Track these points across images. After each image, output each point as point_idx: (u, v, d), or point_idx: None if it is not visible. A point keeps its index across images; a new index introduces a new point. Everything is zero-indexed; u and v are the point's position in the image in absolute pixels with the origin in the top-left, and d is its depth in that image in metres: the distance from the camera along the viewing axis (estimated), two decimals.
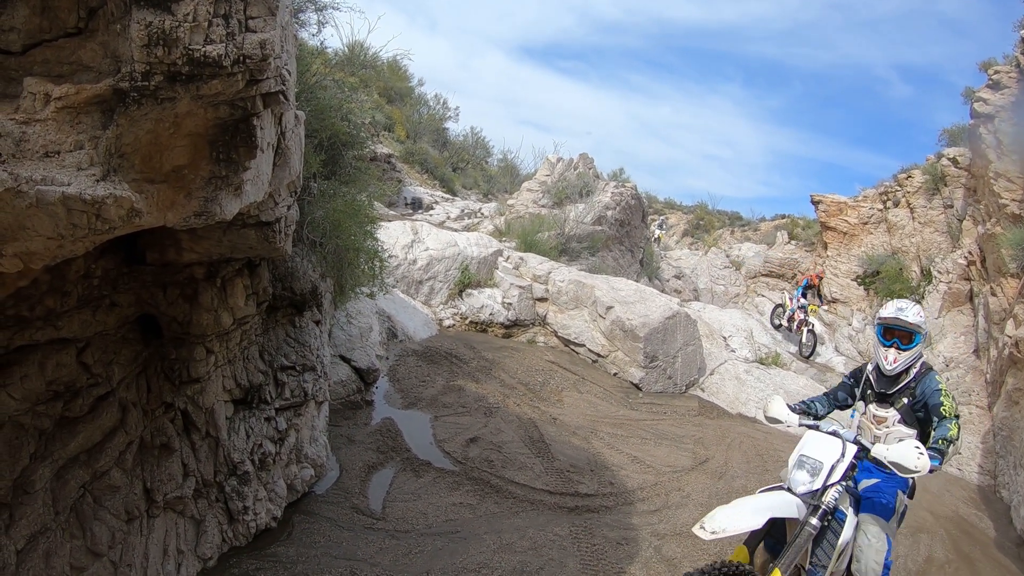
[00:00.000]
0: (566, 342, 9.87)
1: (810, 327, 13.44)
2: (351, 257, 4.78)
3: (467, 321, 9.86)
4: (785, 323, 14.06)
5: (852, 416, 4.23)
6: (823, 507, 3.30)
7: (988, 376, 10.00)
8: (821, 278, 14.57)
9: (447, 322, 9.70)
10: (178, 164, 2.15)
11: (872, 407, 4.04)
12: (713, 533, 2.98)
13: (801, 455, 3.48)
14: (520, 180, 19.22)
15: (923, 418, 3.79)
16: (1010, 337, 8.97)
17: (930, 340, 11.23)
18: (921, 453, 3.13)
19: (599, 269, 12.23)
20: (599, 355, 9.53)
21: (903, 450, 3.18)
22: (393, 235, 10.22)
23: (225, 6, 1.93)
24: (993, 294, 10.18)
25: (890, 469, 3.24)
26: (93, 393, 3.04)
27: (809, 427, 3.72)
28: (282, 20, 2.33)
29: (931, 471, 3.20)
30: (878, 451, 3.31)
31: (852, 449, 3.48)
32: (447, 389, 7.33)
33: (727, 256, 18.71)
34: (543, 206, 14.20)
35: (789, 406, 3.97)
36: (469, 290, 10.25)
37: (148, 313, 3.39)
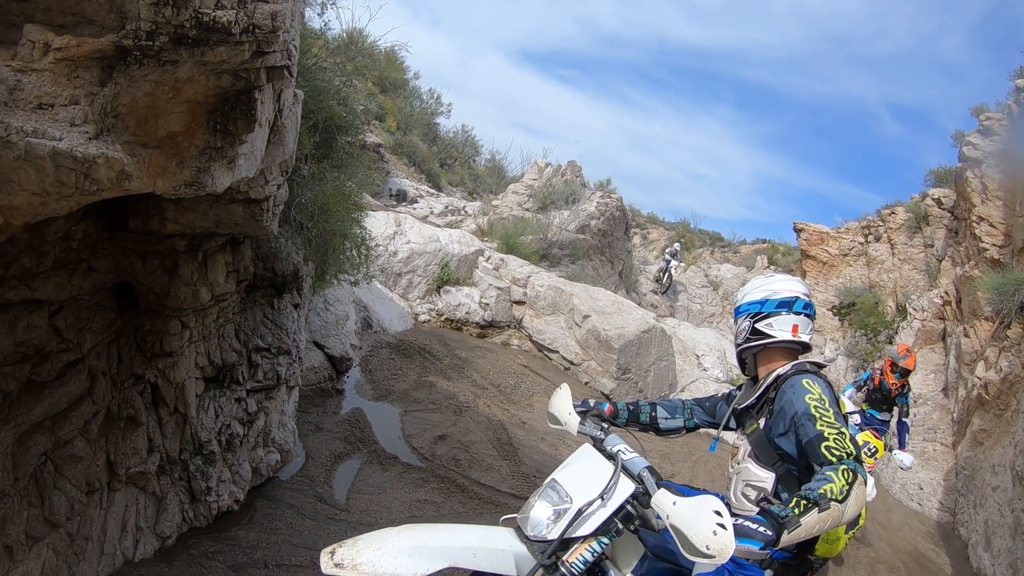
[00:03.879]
0: (540, 347, 9.89)
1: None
2: (336, 242, 4.75)
3: (443, 318, 9.84)
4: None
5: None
6: (563, 572, 2.14)
7: (955, 415, 10.22)
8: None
9: (423, 317, 9.67)
10: (173, 131, 2.12)
11: (738, 433, 2.74)
12: (338, 567, 1.94)
13: (553, 478, 2.34)
14: (506, 182, 19.25)
15: (796, 456, 2.37)
16: (980, 379, 9.19)
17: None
18: (722, 525, 1.75)
19: (579, 277, 12.28)
20: (572, 363, 9.57)
21: (692, 514, 1.83)
22: (376, 225, 10.14)
23: None
24: (966, 335, 10.42)
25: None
26: (62, 359, 2.98)
27: (592, 437, 2.55)
28: None
29: (751, 557, 2.06)
30: (660, 503, 1.99)
31: (627, 488, 2.21)
32: (419, 384, 7.31)
33: (705, 275, 18.98)
34: (528, 209, 14.23)
35: (581, 403, 2.79)
36: (447, 287, 10.24)
37: (125, 281, 3.34)
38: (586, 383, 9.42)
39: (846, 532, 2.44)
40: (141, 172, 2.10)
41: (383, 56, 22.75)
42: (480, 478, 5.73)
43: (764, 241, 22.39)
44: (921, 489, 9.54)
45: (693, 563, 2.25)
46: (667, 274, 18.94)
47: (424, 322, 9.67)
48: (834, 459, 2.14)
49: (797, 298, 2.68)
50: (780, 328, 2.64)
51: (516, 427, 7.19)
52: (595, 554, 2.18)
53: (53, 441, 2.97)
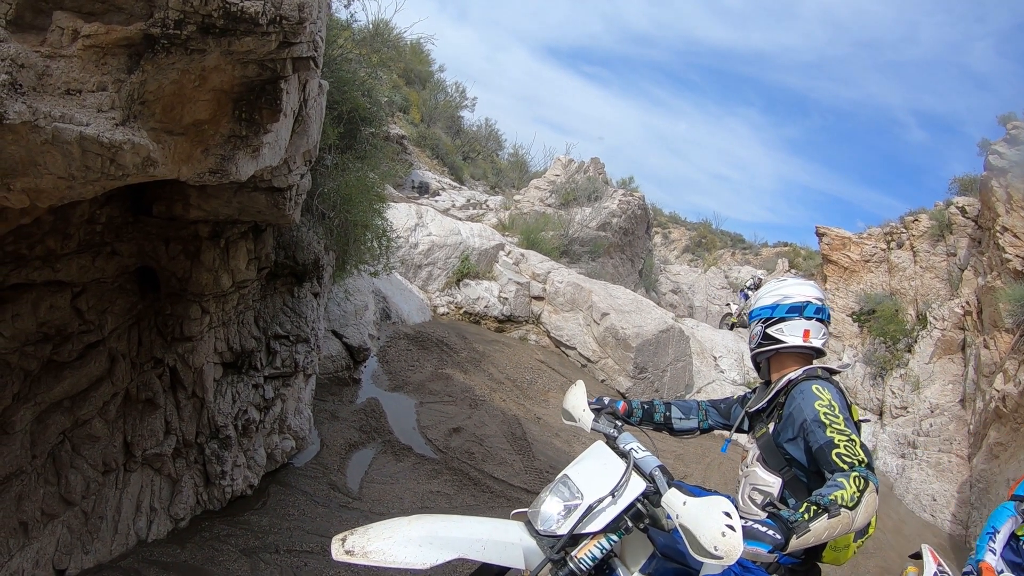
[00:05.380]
0: (558, 343, 9.84)
1: None
2: (358, 233, 4.73)
3: (461, 311, 9.81)
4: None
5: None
6: (571, 568, 2.11)
7: (971, 427, 10.03)
8: None
9: (441, 309, 9.66)
10: (199, 118, 2.09)
11: (749, 436, 2.72)
12: (348, 554, 1.93)
13: (565, 474, 2.33)
14: (529, 177, 19.18)
15: (805, 462, 2.34)
16: (998, 391, 9.01)
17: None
18: (731, 527, 1.73)
19: (598, 275, 12.19)
20: (589, 360, 9.51)
21: (701, 514, 1.82)
22: (397, 217, 10.15)
23: None
24: (986, 347, 10.23)
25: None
26: (84, 340, 2.99)
27: (605, 434, 2.50)
28: None
29: (758, 560, 1.94)
30: (670, 502, 1.97)
31: (638, 486, 2.18)
32: (435, 376, 7.29)
33: (726, 277, 18.75)
34: (549, 205, 14.15)
35: (596, 400, 2.75)
36: (467, 280, 10.20)
37: (147, 266, 3.34)
38: (602, 381, 9.35)
39: (855, 540, 2.42)
40: (166, 159, 2.08)
41: (409, 48, 22.79)
42: (493, 472, 5.71)
43: (785, 244, 22.13)
44: (935, 500, 9.37)
45: (701, 564, 2.22)
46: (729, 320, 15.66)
47: (443, 314, 9.65)
48: (845, 466, 2.09)
49: (809, 303, 2.63)
50: (791, 333, 2.60)
51: (531, 422, 7.16)
52: (604, 551, 2.16)
53: (72, 420, 2.98)
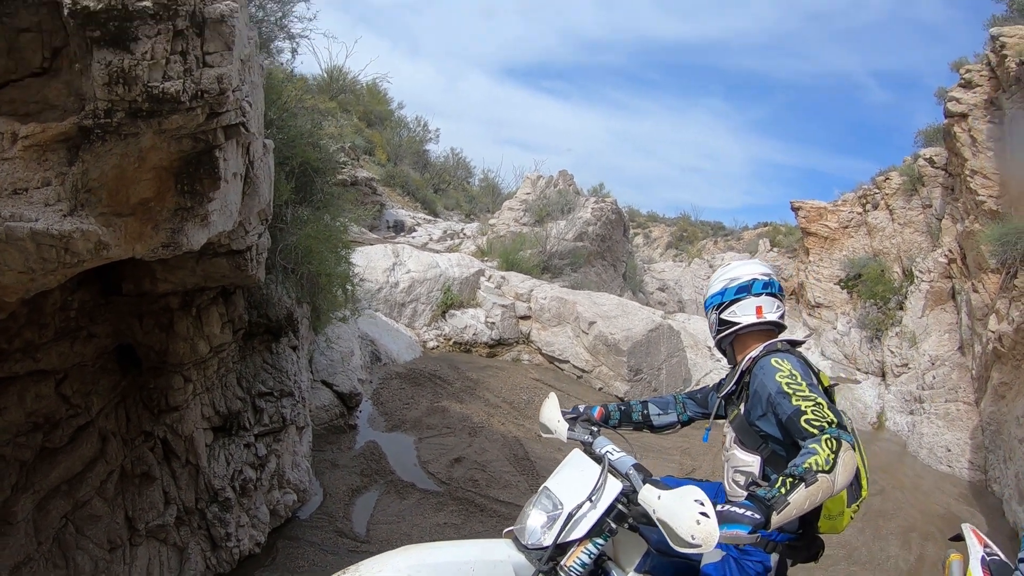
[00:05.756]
0: (551, 359, 10.03)
1: None
2: (323, 282, 4.94)
3: (451, 342, 10.01)
4: None
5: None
6: None
7: (974, 372, 10.20)
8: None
9: (431, 344, 9.85)
10: (144, 197, 2.31)
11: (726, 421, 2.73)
12: None
13: (545, 486, 2.38)
14: (502, 199, 19.51)
15: (780, 436, 2.36)
16: (993, 332, 9.18)
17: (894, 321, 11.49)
18: (704, 514, 1.79)
19: (582, 285, 12.44)
20: (584, 370, 9.69)
21: (675, 505, 1.88)
22: (374, 259, 10.41)
23: (182, 43, 2.09)
24: (975, 290, 10.42)
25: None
26: (73, 424, 3.17)
27: (581, 441, 2.58)
28: (241, 54, 2.50)
29: (741, 543, 1.95)
30: (646, 498, 2.02)
31: (615, 487, 2.24)
32: (431, 411, 7.45)
33: (710, 266, 19.02)
34: (524, 224, 14.43)
35: (572, 409, 2.85)
36: (452, 311, 10.41)
37: (125, 343, 3.53)
38: (600, 389, 9.53)
39: (848, 506, 2.45)
40: (118, 240, 2.29)
41: (366, 90, 23.26)
42: (499, 495, 5.85)
43: (766, 224, 22.45)
44: (949, 451, 9.53)
45: (699, 555, 2.38)
46: None
47: (433, 348, 9.84)
48: (815, 431, 2.11)
49: (755, 279, 2.72)
50: (744, 313, 2.68)
51: (532, 442, 7.31)
52: (592, 556, 2.22)
53: (72, 503, 3.16)
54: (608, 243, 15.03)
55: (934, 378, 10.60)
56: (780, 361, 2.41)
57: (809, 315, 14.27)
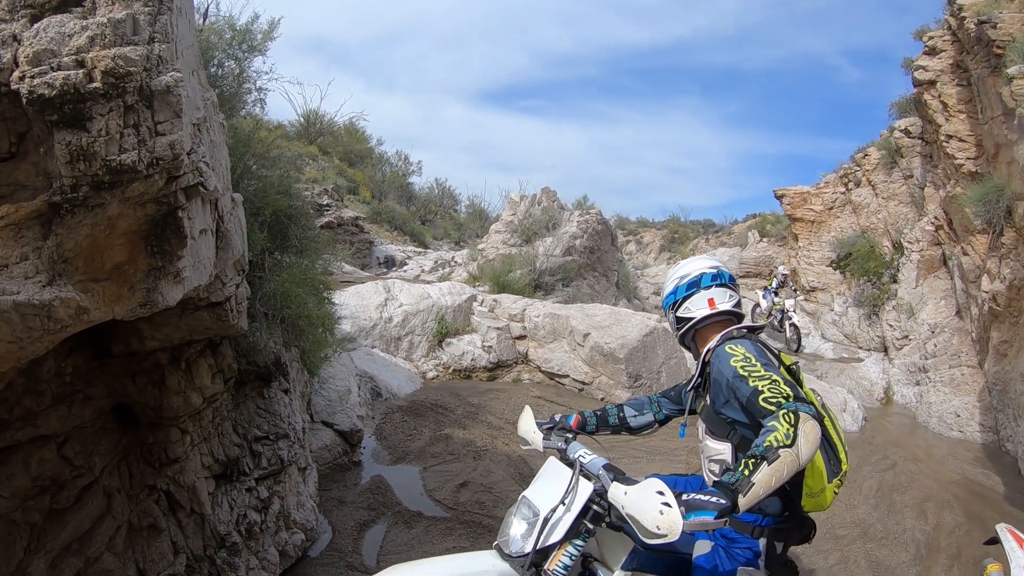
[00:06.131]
0: (550, 375, 10.24)
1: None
2: (304, 324, 5.19)
3: (450, 370, 10.23)
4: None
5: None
6: None
7: (973, 335, 10.40)
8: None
9: (430, 374, 10.07)
10: (118, 261, 2.56)
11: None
12: None
13: (523, 495, 2.52)
14: (489, 223, 19.88)
15: (747, 421, 2.48)
16: (987, 292, 9.38)
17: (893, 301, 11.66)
18: (667, 504, 1.89)
19: (576, 299, 12.69)
20: (584, 383, 9.90)
21: (639, 499, 1.99)
22: (366, 296, 10.69)
23: (134, 116, 2.33)
24: (965, 254, 10.65)
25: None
26: (78, 484, 3.40)
27: (557, 449, 2.69)
28: (192, 118, 2.78)
29: (709, 529, 1.97)
30: (614, 496, 2.15)
31: (587, 489, 2.36)
32: (434, 439, 7.65)
33: None
34: (512, 245, 14.73)
35: (548, 420, 3.00)
36: (448, 339, 10.66)
37: (122, 402, 3.77)
38: (602, 399, 9.72)
39: (829, 482, 2.53)
40: (97, 304, 2.54)
41: (344, 131, 23.80)
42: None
43: (754, 216, 22.80)
44: (958, 416, 9.68)
45: (692, 548, 2.57)
46: (781, 317, 14.40)
47: (433, 379, 10.06)
48: (773, 407, 2.20)
49: (702, 274, 2.87)
50: (697, 308, 2.82)
51: (538, 459, 7.42)
52: (574, 558, 2.34)
53: (83, 560, 3.37)
54: (597, 254, 15.30)
55: (935, 346, 10.80)
56: (734, 347, 2.53)
57: (806, 300, 14.51)
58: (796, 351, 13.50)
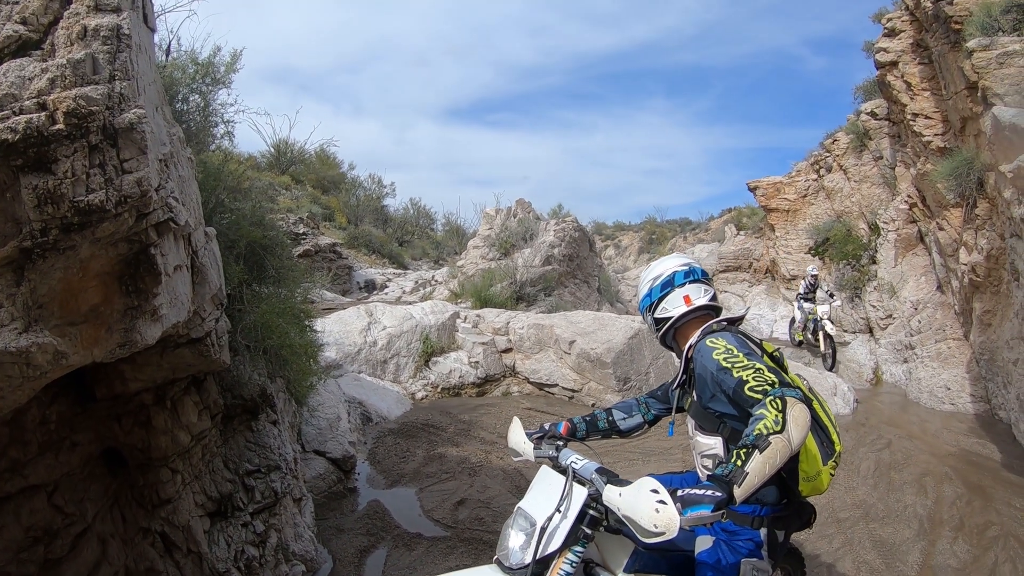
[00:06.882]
0: (539, 386, 10.31)
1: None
2: (288, 354, 5.23)
3: (439, 389, 10.27)
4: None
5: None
6: None
7: (956, 308, 10.62)
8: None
9: (419, 394, 10.10)
10: (94, 303, 2.60)
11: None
12: None
13: (519, 506, 2.55)
14: (467, 239, 20.00)
15: (736, 413, 2.50)
16: (966, 264, 9.59)
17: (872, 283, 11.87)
18: (662, 501, 1.92)
19: (559, 307, 12.80)
20: (573, 391, 9.98)
21: (634, 499, 2.01)
22: (349, 322, 10.73)
23: (99, 156, 2.37)
24: (941, 229, 10.90)
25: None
26: (71, 532, 3.41)
27: (548, 457, 2.74)
28: (159, 154, 2.83)
29: (707, 522, 1.96)
30: (609, 499, 2.18)
31: (581, 494, 2.37)
32: (428, 459, 7.69)
33: None
34: (491, 259, 14.84)
35: (538, 429, 3.05)
36: (435, 358, 10.70)
37: (109, 446, 3.79)
38: (592, 405, 9.80)
39: (824, 464, 2.59)
40: (75, 347, 2.58)
41: (315, 158, 23.88)
42: None
43: (730, 210, 23.11)
44: (949, 389, 9.86)
45: (692, 546, 2.57)
46: (814, 327, 12.98)
47: (422, 399, 10.09)
48: (759, 395, 2.24)
49: (674, 272, 2.92)
50: (673, 306, 2.87)
51: (533, 470, 7.50)
52: (574, 564, 2.35)
53: None
54: (577, 261, 15.45)
55: (919, 322, 11.01)
56: (715, 340, 2.58)
57: (787, 289, 14.71)
58: (831, 369, 12.06)
